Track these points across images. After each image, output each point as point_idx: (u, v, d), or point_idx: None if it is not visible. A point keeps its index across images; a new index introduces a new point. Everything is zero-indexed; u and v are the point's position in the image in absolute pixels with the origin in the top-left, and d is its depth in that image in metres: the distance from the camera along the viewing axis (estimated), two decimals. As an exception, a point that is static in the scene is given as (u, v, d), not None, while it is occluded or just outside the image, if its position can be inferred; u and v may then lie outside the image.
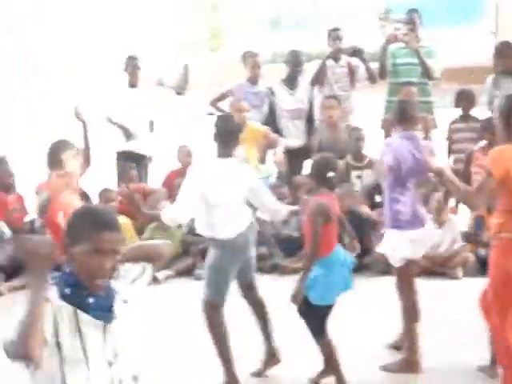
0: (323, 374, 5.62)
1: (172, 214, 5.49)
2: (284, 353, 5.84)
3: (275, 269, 8.29)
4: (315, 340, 5.45)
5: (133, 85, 9.56)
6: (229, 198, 5.48)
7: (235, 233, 5.48)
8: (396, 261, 5.79)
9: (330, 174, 5.42)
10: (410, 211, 5.70)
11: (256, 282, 5.82)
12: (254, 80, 9.28)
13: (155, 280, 7.82)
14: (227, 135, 5.57)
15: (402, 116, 5.83)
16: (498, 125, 5.12)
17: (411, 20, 9.15)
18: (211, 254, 5.56)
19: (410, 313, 5.76)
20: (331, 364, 5.45)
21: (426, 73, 9.02)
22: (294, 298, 5.28)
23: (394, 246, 5.77)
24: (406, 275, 5.79)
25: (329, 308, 5.40)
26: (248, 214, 5.63)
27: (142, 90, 9.60)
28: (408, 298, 5.77)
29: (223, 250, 5.48)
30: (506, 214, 5.00)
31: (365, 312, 6.85)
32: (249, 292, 5.78)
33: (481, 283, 5.36)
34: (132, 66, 9.53)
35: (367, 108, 10.03)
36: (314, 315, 5.37)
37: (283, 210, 5.85)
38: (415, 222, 5.72)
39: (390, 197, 5.76)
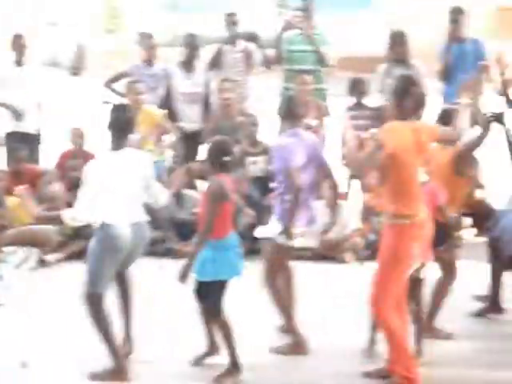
0: (208, 354, 5.69)
1: (73, 213, 5.43)
2: (171, 333, 5.86)
3: (169, 253, 8.26)
4: (211, 319, 5.49)
5: (19, 63, 9.31)
6: (124, 188, 5.45)
7: (122, 222, 5.42)
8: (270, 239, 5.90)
9: (226, 158, 5.45)
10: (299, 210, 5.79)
11: (130, 276, 5.76)
12: (149, 61, 9.21)
13: (44, 263, 7.66)
14: (121, 127, 5.55)
15: (287, 113, 5.94)
16: (391, 104, 5.26)
17: (306, 7, 9.26)
18: (93, 242, 5.49)
19: (278, 297, 5.87)
20: (227, 344, 5.49)
21: (320, 60, 9.15)
22: (181, 277, 5.32)
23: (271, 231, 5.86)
24: (275, 262, 5.88)
25: (222, 286, 5.45)
26: (140, 209, 5.58)
27: (29, 69, 9.35)
28: (276, 284, 5.87)
29: (106, 238, 5.41)
30: (397, 196, 5.13)
31: (255, 296, 6.91)
32: (120, 281, 5.71)
33: (370, 268, 5.48)
34: (18, 45, 9.28)
35: (263, 93, 10.09)
36: (210, 294, 5.42)
37: (163, 195, 5.85)
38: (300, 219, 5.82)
39: (282, 192, 5.87)
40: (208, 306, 5.49)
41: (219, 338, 5.57)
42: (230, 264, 5.45)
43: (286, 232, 5.79)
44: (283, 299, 5.95)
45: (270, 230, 5.96)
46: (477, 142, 6.13)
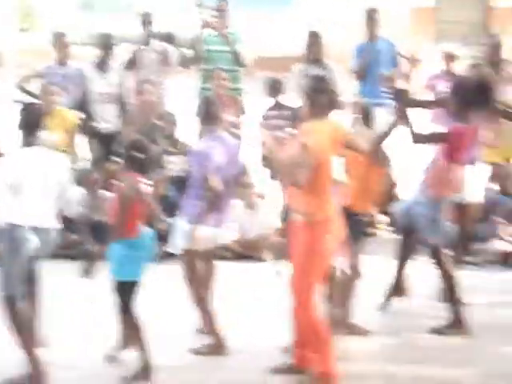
0: (120, 348, 5.66)
1: None
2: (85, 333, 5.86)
3: (86, 255, 8.13)
4: (123, 316, 5.47)
5: None
6: (33, 188, 5.36)
7: (27, 224, 5.32)
8: (177, 249, 5.91)
9: (141, 157, 5.41)
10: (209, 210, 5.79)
11: (37, 277, 5.65)
12: (62, 61, 9.06)
13: None
14: (31, 126, 5.50)
15: (206, 115, 5.93)
16: (304, 103, 5.30)
17: (220, 6, 9.28)
18: (2, 242, 5.38)
19: (201, 299, 5.86)
20: (137, 342, 5.47)
21: (237, 60, 9.17)
22: (85, 273, 5.47)
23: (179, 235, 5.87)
24: (190, 264, 5.89)
25: (133, 286, 5.44)
26: (51, 214, 5.49)
27: None
28: (194, 286, 5.88)
29: (9, 240, 5.31)
30: (311, 195, 5.19)
31: (174, 297, 6.88)
32: (28, 283, 5.61)
33: (287, 266, 5.52)
34: None
35: (181, 93, 10.06)
36: (121, 293, 5.42)
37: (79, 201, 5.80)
38: (211, 219, 5.82)
39: (196, 193, 5.85)
40: (120, 304, 5.47)
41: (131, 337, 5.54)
42: (141, 264, 5.43)
43: (193, 235, 5.78)
44: (203, 299, 5.93)
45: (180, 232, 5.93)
46: (387, 132, 6.21)
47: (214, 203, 5.80)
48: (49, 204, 5.46)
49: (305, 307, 5.29)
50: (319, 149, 5.18)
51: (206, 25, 9.25)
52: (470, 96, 6.07)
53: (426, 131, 6.20)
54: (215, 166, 5.80)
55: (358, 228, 6.00)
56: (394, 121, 6.15)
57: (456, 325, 6.23)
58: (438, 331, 6.23)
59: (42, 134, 5.57)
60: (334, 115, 5.50)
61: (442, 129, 6.24)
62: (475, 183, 7.30)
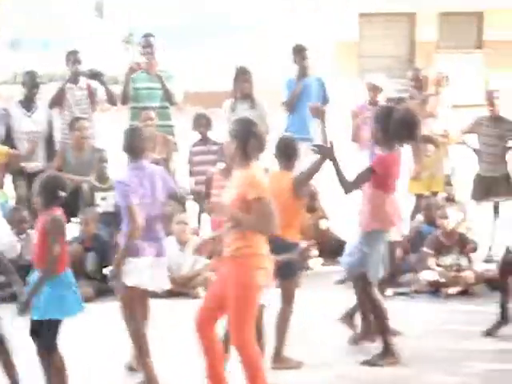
0: None
1: None
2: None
3: (15, 297, 7.98)
4: (47, 356, 5.39)
5: None
6: None
7: None
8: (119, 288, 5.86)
9: (61, 193, 5.40)
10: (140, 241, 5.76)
11: None
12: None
13: None
14: None
15: (130, 147, 5.90)
16: (235, 147, 5.31)
17: (148, 44, 9.27)
18: None
19: (138, 336, 5.79)
20: (61, 380, 5.40)
21: (167, 97, 9.17)
22: (21, 311, 5.33)
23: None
24: (129, 302, 5.83)
25: (57, 324, 5.39)
26: None
27: None
28: (132, 324, 5.81)
29: None
30: (242, 232, 5.19)
31: (100, 334, 6.81)
32: None
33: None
34: None
35: (111, 130, 10.00)
36: (46, 331, 5.34)
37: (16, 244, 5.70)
38: (147, 250, 5.79)
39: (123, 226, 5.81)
40: (44, 343, 5.40)
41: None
42: (66, 302, 5.38)
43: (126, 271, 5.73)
44: (143, 335, 5.86)
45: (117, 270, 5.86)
46: (314, 168, 6.28)
47: (136, 236, 5.74)
48: None
49: (243, 345, 5.28)
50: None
51: (135, 66, 9.20)
52: (394, 126, 6.18)
53: (350, 176, 6.24)
54: (136, 196, 5.74)
55: (289, 260, 6.03)
56: (321, 159, 6.21)
57: (387, 355, 6.25)
58: (369, 363, 6.25)
59: None
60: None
61: (362, 165, 6.27)
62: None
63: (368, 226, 6.26)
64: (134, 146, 5.92)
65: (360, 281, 6.35)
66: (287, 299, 6.21)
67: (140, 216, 5.71)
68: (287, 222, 5.91)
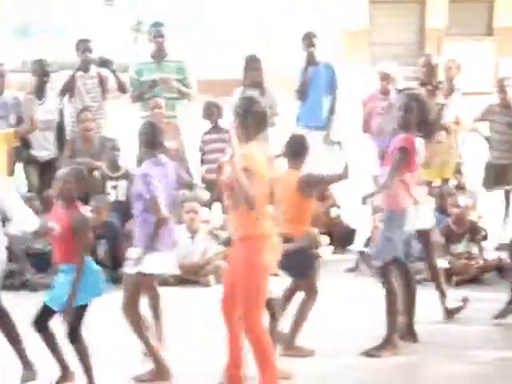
0: (62, 380, 5.60)
1: None
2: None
3: (26, 285, 8.02)
4: (72, 343, 5.46)
5: None
6: None
7: None
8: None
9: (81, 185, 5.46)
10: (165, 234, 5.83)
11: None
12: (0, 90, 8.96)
13: None
14: None
15: (147, 141, 5.93)
16: (235, 124, 5.35)
17: (159, 34, 9.23)
18: None
19: (138, 325, 5.83)
20: (85, 367, 5.48)
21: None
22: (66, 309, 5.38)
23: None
24: (135, 291, 5.86)
25: (82, 310, 5.46)
26: None
27: None
28: (133, 313, 5.84)
29: None
30: (249, 214, 5.22)
31: (118, 323, 6.82)
32: None
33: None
34: None
35: (121, 118, 10.01)
36: (71, 317, 5.41)
37: (33, 220, 5.71)
38: (167, 244, 5.86)
39: (143, 218, 5.84)
40: (69, 330, 5.45)
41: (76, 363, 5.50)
42: (88, 287, 5.44)
43: (143, 259, 5.77)
44: (146, 325, 5.91)
45: (132, 258, 5.90)
46: (327, 180, 6.43)
47: (162, 227, 5.79)
48: None
49: (253, 327, 5.31)
50: (259, 171, 5.24)
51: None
52: (416, 112, 6.22)
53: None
54: (159, 188, 5.80)
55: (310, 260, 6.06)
56: (337, 178, 6.29)
57: (387, 345, 6.24)
58: (367, 353, 6.23)
59: None
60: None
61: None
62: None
63: (389, 207, 6.26)
64: (152, 140, 5.95)
65: (387, 267, 6.30)
66: (310, 294, 6.23)
67: (164, 207, 5.77)
68: (295, 218, 5.95)
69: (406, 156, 6.19)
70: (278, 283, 5.67)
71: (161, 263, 5.87)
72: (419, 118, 6.29)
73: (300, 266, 6.00)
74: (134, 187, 6.00)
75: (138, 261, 5.77)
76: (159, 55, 9.19)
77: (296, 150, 6.24)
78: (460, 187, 9.10)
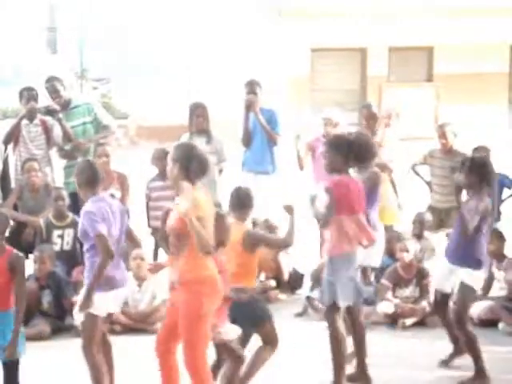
0: None
1: None
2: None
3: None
4: None
5: None
6: None
7: None
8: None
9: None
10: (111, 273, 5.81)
11: None
12: None
13: None
14: None
15: (86, 180, 5.93)
16: (177, 170, 5.43)
17: (54, 90, 9.20)
18: None
19: (98, 374, 5.79)
20: None
21: (65, 136, 9.10)
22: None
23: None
24: (93, 334, 5.82)
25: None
26: None
27: None
28: (92, 359, 5.80)
29: None
30: (195, 260, 5.32)
31: (58, 372, 6.75)
32: None
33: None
34: None
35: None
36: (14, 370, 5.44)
37: None
38: (115, 282, 5.83)
39: (91, 261, 5.81)
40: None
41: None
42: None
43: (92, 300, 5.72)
44: (102, 373, 5.84)
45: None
46: (272, 241, 6.52)
47: (108, 264, 5.75)
48: None
49: (196, 371, 5.32)
50: (207, 215, 5.33)
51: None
52: (349, 150, 6.31)
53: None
54: (104, 224, 5.78)
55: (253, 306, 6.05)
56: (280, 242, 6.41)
57: None
58: None
59: None
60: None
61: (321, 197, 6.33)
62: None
63: (331, 252, 6.30)
64: (90, 179, 5.91)
65: (331, 311, 6.33)
66: (269, 342, 6.15)
67: (110, 245, 5.73)
68: (240, 270, 5.95)
69: (332, 198, 6.19)
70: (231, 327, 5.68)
71: (107, 304, 5.84)
72: (355, 152, 6.34)
73: (251, 315, 5.96)
74: (79, 227, 5.94)
75: (84, 302, 5.70)
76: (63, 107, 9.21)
77: (241, 202, 6.19)
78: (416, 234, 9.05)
